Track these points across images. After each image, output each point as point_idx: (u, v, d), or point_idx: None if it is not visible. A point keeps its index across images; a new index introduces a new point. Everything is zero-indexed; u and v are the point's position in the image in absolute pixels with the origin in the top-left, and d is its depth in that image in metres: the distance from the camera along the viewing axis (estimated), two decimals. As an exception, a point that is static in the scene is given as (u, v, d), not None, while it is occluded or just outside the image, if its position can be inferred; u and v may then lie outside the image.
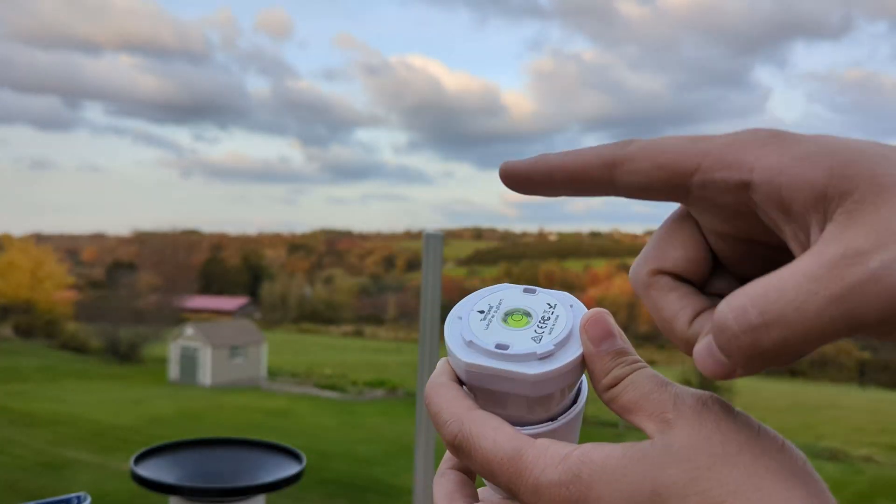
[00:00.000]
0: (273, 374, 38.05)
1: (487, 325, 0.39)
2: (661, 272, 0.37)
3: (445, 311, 0.42)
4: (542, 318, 0.39)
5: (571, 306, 0.39)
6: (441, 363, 0.40)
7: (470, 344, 0.37)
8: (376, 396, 33.95)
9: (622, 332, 0.37)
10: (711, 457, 0.30)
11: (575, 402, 0.40)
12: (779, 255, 0.33)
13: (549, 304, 0.39)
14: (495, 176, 0.37)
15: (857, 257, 0.27)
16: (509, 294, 0.41)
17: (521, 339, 0.37)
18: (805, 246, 0.30)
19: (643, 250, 0.38)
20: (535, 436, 0.35)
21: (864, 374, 45.13)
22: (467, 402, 0.37)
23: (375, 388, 35.04)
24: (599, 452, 0.32)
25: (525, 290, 0.41)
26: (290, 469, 1.65)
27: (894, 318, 0.26)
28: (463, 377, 0.38)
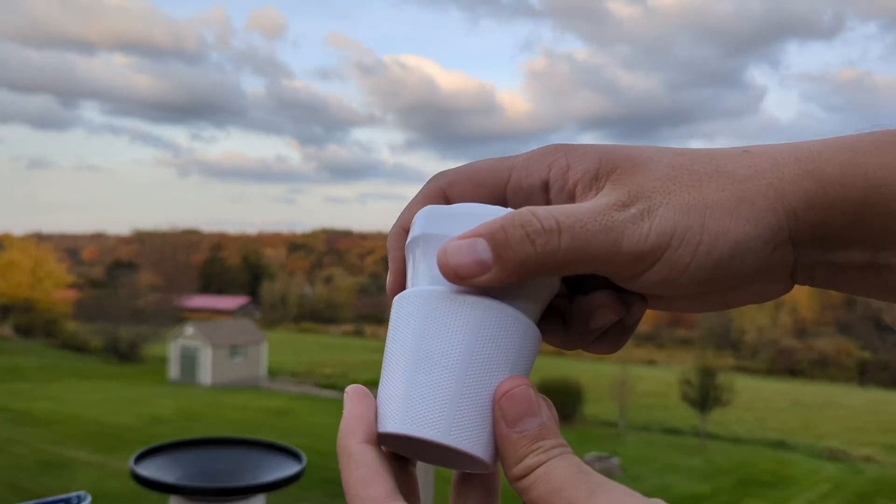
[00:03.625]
0: (273, 373, 38.06)
1: None
2: None
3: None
4: None
5: None
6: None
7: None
8: (376, 396, 33.94)
9: (548, 403, 0.35)
10: None
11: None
12: None
13: None
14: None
15: (620, 206, 0.36)
16: None
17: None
18: None
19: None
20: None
21: (864, 374, 45.11)
22: None
23: (375, 388, 34.99)
24: None
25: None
26: (290, 469, 1.64)
27: (645, 255, 0.35)
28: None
